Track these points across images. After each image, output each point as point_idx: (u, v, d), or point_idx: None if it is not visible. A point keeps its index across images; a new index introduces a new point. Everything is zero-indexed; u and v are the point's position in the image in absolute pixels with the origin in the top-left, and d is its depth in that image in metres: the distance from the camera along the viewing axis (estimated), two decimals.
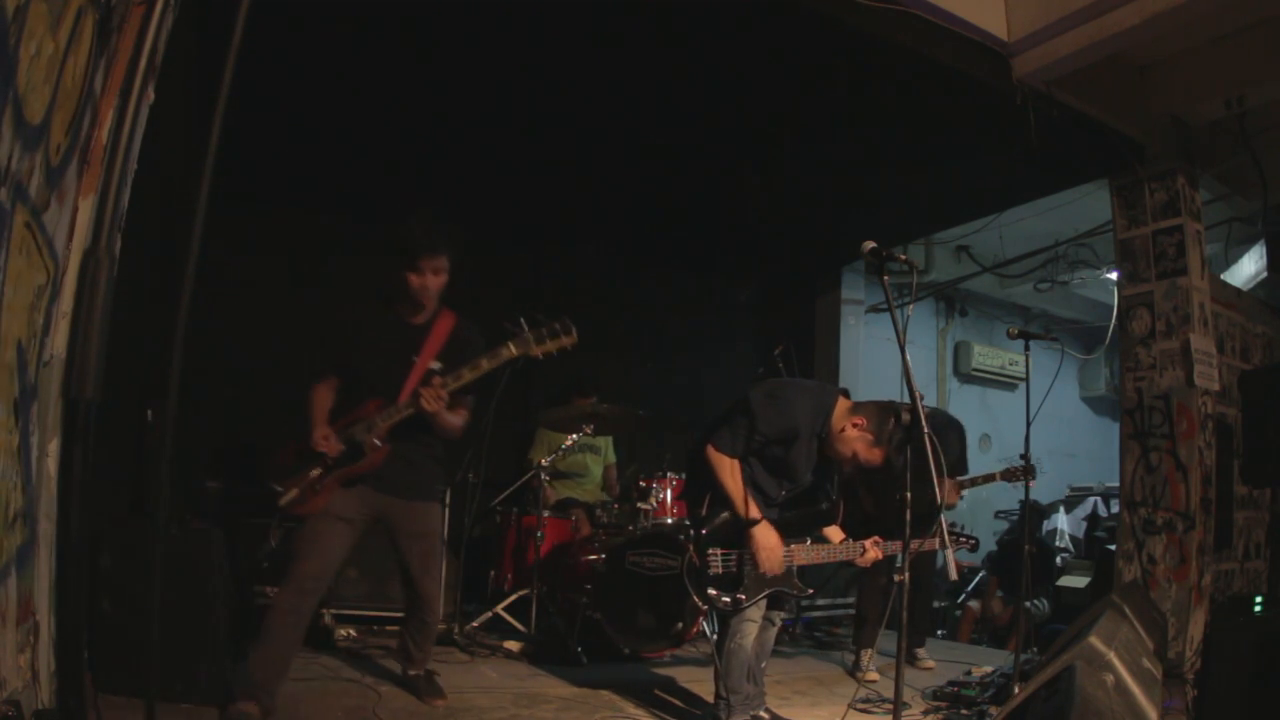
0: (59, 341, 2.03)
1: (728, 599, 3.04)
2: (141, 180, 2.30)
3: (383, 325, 3.07)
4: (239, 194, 4.68)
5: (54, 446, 2.06)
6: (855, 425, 3.06)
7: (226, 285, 5.08)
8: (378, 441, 2.94)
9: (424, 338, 3.06)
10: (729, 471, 3.03)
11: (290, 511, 2.98)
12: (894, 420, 2.99)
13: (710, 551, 3.04)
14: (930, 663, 4.34)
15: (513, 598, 4.73)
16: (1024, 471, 4.10)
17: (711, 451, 3.05)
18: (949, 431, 4.36)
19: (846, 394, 3.21)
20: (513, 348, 2.92)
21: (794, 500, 3.32)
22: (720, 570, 3.04)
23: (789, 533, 3.14)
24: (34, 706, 1.94)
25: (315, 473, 2.93)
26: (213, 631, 2.98)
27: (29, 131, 1.68)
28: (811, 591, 3.28)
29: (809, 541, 3.16)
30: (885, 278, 2.67)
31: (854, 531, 3.27)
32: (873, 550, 3.17)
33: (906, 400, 2.69)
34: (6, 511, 1.77)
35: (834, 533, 3.23)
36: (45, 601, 2.05)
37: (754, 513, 3.01)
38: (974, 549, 3.61)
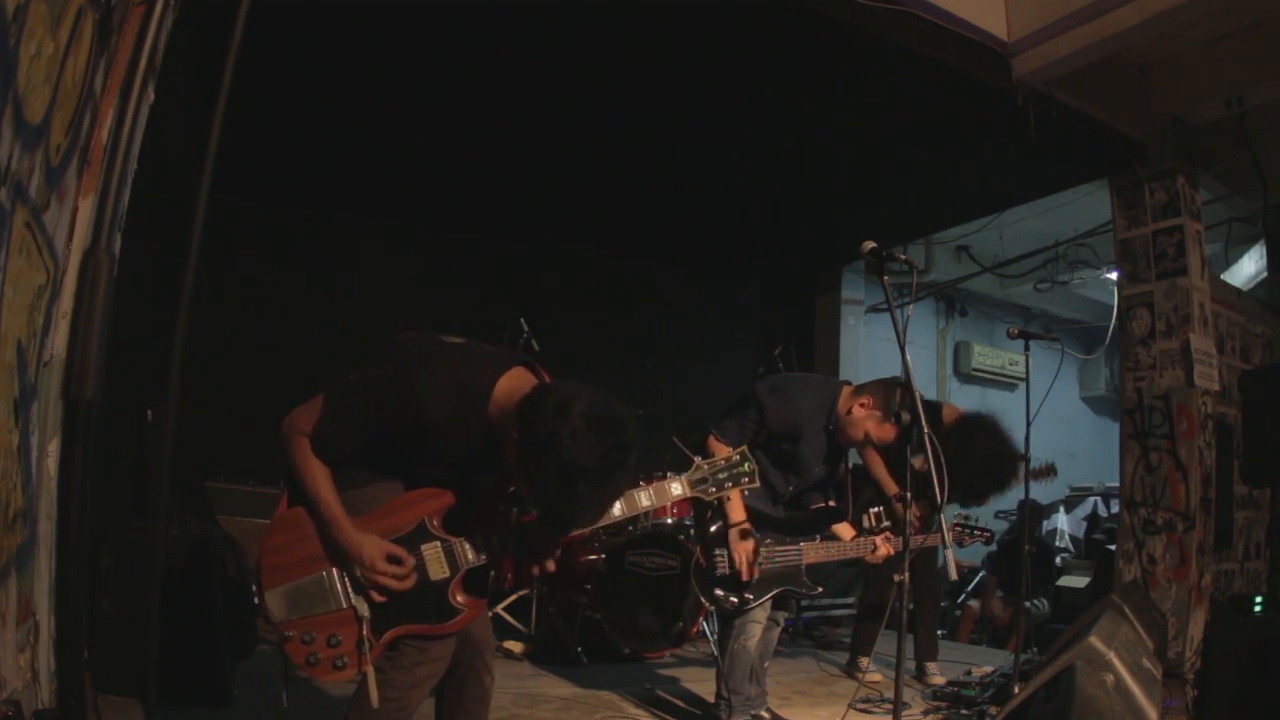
0: (59, 341, 2.03)
1: (734, 599, 3.04)
2: (141, 180, 2.29)
3: (468, 418, 1.88)
4: (240, 193, 4.69)
5: (54, 446, 2.05)
6: (862, 405, 3.06)
7: (227, 284, 5.09)
8: (461, 599, 1.94)
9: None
10: None
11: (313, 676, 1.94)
12: (900, 392, 2.99)
13: (717, 552, 3.04)
14: (940, 678, 4.21)
15: (513, 598, 4.73)
16: (1045, 471, 4.05)
17: (711, 441, 3.04)
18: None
19: (849, 384, 3.21)
20: (683, 486, 2.12)
21: (799, 499, 3.32)
22: (727, 571, 3.03)
23: (798, 532, 3.14)
24: (34, 706, 1.94)
25: (363, 616, 1.89)
26: (212, 632, 2.98)
27: (29, 131, 1.68)
28: (820, 590, 3.25)
29: (819, 539, 3.15)
30: (885, 278, 2.66)
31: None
32: (884, 547, 3.16)
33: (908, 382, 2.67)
34: (6, 511, 1.77)
35: (844, 530, 3.22)
36: (45, 601, 2.05)
37: (737, 515, 2.98)
38: (989, 542, 3.60)
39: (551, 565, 2.01)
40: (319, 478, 1.88)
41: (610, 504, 1.85)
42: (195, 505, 4.09)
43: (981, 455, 3.11)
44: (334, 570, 1.90)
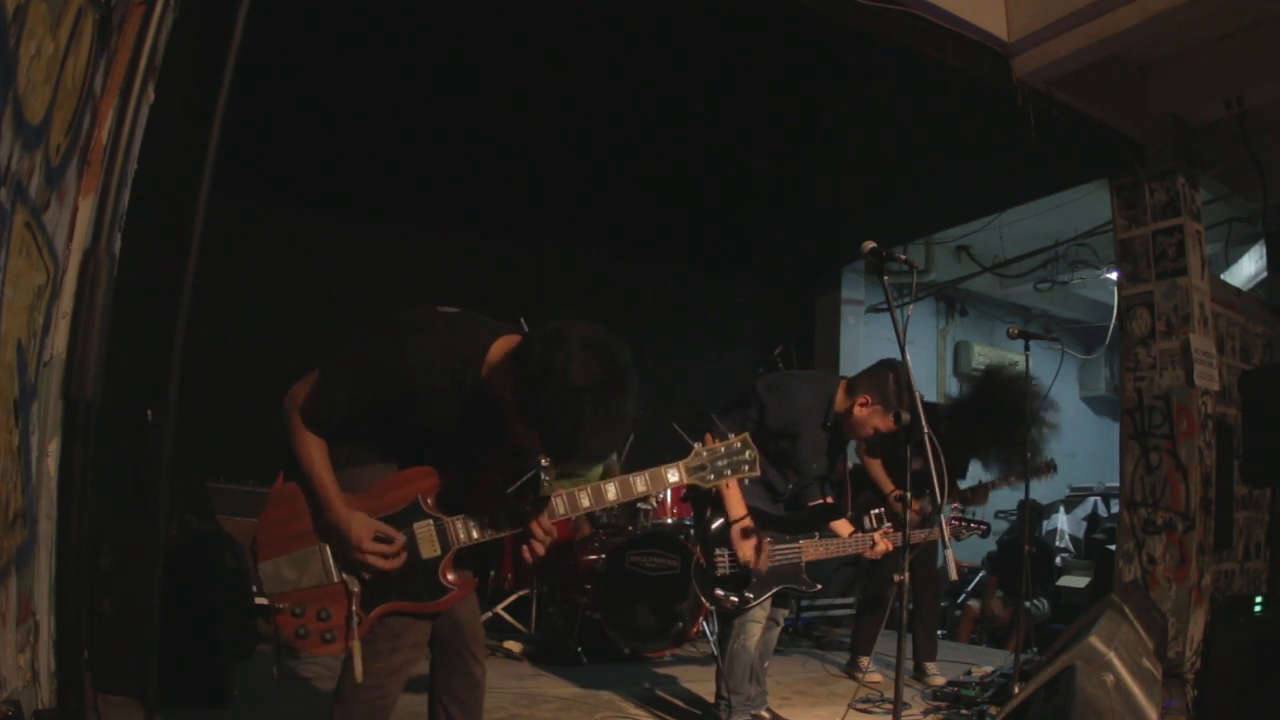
0: (59, 341, 2.03)
1: (735, 599, 3.04)
2: (141, 180, 2.29)
3: (461, 383, 1.89)
4: (240, 193, 4.69)
5: (54, 446, 2.06)
6: (861, 405, 3.07)
7: (227, 284, 5.09)
8: (451, 578, 1.95)
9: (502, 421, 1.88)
10: None
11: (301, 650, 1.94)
12: (892, 376, 2.99)
13: (717, 552, 3.03)
14: (940, 678, 4.21)
15: (513, 598, 4.73)
16: (1045, 468, 4.08)
17: (708, 437, 3.03)
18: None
19: (846, 379, 3.21)
20: (680, 473, 2.05)
21: (798, 496, 3.32)
22: (727, 571, 3.03)
23: (797, 529, 3.14)
24: (34, 706, 1.94)
25: (353, 591, 1.89)
26: (212, 631, 2.98)
27: (29, 131, 1.68)
28: (820, 587, 3.24)
29: (818, 536, 3.14)
30: (885, 278, 2.66)
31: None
32: (882, 542, 3.16)
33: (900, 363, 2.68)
34: (6, 511, 1.77)
35: (843, 526, 3.22)
36: (45, 601, 2.05)
37: (737, 510, 2.97)
38: (984, 535, 3.60)
39: (540, 549, 1.99)
40: (313, 453, 1.88)
41: (617, 429, 1.74)
42: (195, 505, 4.09)
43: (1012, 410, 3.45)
44: (326, 546, 1.90)
